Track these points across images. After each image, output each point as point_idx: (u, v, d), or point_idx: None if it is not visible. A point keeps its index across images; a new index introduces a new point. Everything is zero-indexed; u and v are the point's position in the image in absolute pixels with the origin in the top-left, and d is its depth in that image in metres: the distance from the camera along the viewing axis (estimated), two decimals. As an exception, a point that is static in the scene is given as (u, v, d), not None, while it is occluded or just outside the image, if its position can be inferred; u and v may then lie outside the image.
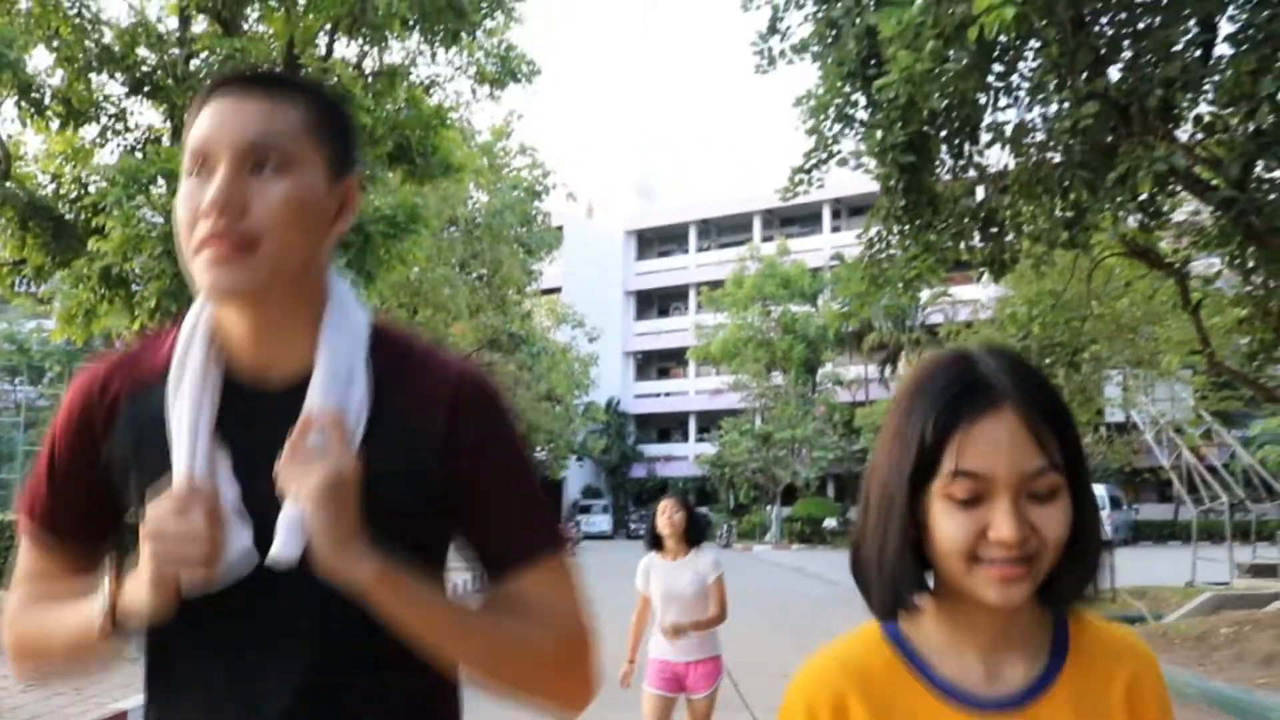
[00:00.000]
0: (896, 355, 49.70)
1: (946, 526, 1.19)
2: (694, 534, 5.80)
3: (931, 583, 1.28)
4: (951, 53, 9.24)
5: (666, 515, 5.77)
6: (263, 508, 1.29)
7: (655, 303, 66.94)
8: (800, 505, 47.13)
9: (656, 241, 67.78)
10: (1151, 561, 22.52)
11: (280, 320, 1.38)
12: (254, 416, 1.36)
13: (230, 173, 1.30)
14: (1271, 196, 9.71)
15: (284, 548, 1.27)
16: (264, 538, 1.29)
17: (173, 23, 12.13)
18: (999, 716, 1.23)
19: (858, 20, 10.49)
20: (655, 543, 5.81)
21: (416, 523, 1.40)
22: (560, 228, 34.87)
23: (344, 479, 1.24)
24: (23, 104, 10.36)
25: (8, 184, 10.56)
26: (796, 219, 58.48)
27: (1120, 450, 31.33)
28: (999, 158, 11.58)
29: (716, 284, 54.43)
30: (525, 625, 1.40)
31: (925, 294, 39.17)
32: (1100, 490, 35.76)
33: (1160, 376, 16.60)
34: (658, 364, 65.80)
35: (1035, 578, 1.19)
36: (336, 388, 1.35)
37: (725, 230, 64.02)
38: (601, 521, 53.42)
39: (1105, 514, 34.61)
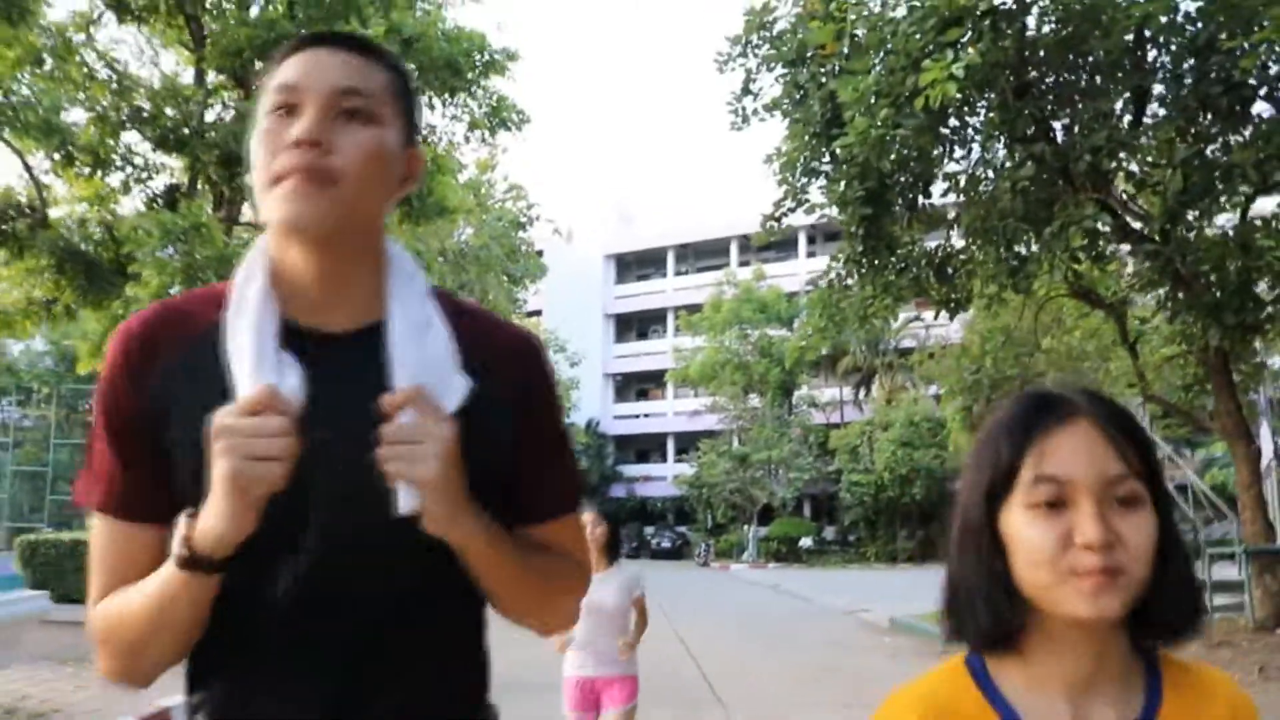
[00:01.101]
0: (870, 378, 50.74)
1: (1030, 536, 1.17)
2: (614, 549, 5.74)
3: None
4: (906, 114, 10.27)
5: (589, 529, 5.53)
6: (329, 448, 1.28)
7: (634, 325, 67.69)
8: (777, 525, 47.90)
9: (635, 265, 68.49)
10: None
11: (344, 266, 1.39)
12: (316, 357, 1.35)
13: (319, 113, 1.33)
14: (1196, 247, 10.79)
15: (407, 503, 1.27)
16: (330, 478, 1.30)
17: (189, 75, 13.09)
18: None
19: (822, 84, 11.54)
20: None
21: (494, 471, 1.42)
22: (540, 252, 35.83)
23: (450, 455, 1.26)
24: (55, 157, 11.28)
25: (45, 231, 11.45)
26: (773, 245, 59.35)
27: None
28: (954, 205, 12.66)
29: (694, 308, 55.21)
30: (561, 561, 1.52)
31: (900, 319, 40.33)
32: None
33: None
34: (637, 386, 66.39)
35: (1126, 591, 1.15)
36: (417, 334, 1.37)
37: (703, 255, 64.71)
38: (580, 541, 53.71)
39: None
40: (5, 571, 7.50)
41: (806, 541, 47.08)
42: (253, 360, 1.29)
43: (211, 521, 1.23)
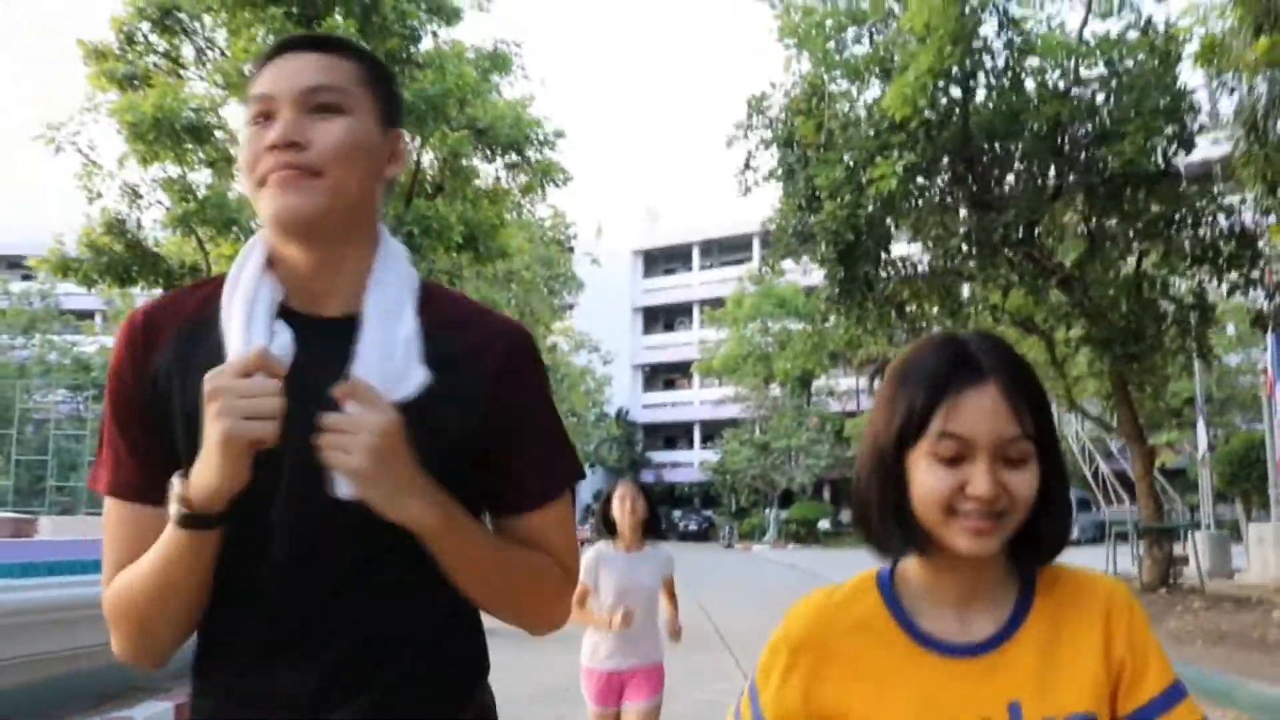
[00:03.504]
0: (884, 369, 53.04)
1: (929, 481, 1.31)
2: (653, 525, 5.26)
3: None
4: (865, 197, 13.45)
5: (627, 503, 5.13)
6: (309, 428, 1.30)
7: (661, 318, 70.07)
8: (796, 508, 50.84)
9: (662, 260, 70.87)
10: (1094, 557, 24.92)
11: (336, 253, 1.44)
12: (307, 339, 1.40)
13: (292, 115, 1.39)
14: (1098, 290, 13.94)
15: (340, 489, 1.32)
16: (298, 453, 1.31)
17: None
18: (967, 660, 1.36)
19: (806, 165, 14.71)
20: (608, 530, 5.18)
21: (463, 460, 1.45)
22: (572, 249, 38.88)
23: (385, 441, 1.28)
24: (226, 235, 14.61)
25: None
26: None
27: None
28: (916, 254, 15.84)
29: (718, 302, 57.38)
30: (540, 558, 1.51)
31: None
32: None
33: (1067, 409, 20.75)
34: (664, 376, 68.90)
35: (1003, 532, 1.31)
36: (385, 323, 1.42)
37: (727, 249, 66.47)
38: (612, 524, 55.44)
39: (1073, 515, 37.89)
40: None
41: (824, 524, 49.56)
42: (244, 323, 1.38)
43: (206, 477, 1.29)
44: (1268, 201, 11.39)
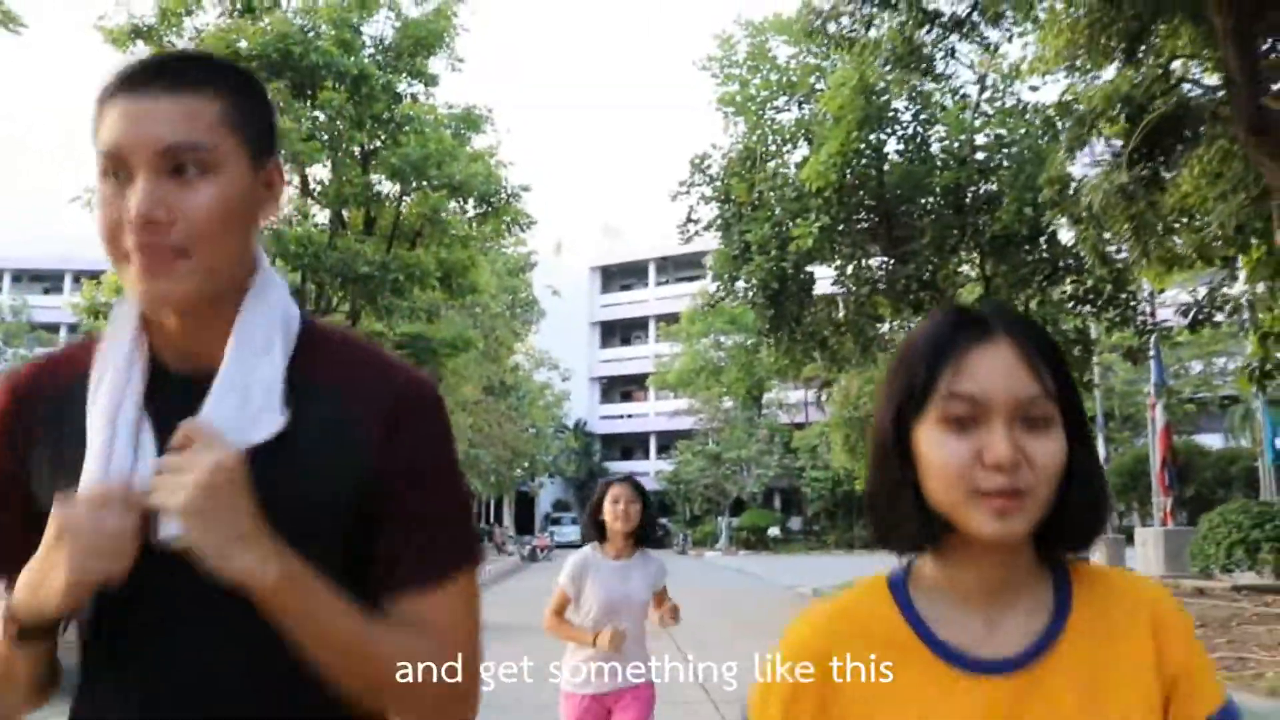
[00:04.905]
0: (830, 383, 55.30)
1: (941, 452, 1.16)
2: (646, 533, 4.79)
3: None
4: (789, 252, 15.72)
5: (621, 505, 4.66)
6: None
7: (618, 332, 71.94)
8: (747, 516, 52.99)
9: (619, 276, 72.65)
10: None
11: (210, 314, 1.30)
12: (181, 401, 1.27)
13: (150, 182, 1.21)
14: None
15: (168, 530, 1.20)
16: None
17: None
18: (998, 679, 1.19)
19: (741, 219, 16.95)
20: (598, 534, 4.71)
21: (335, 524, 1.31)
22: (534, 261, 40.85)
23: (217, 479, 1.18)
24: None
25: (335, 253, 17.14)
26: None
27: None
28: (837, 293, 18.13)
29: (673, 317, 59.02)
30: (420, 642, 1.29)
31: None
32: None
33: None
34: (621, 388, 70.67)
35: (1031, 512, 1.14)
36: (244, 365, 1.29)
37: (682, 266, 66.92)
38: (570, 532, 55.53)
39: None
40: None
41: (774, 531, 51.93)
42: (106, 439, 1.25)
43: (42, 598, 1.20)
44: (1101, 271, 13.72)
